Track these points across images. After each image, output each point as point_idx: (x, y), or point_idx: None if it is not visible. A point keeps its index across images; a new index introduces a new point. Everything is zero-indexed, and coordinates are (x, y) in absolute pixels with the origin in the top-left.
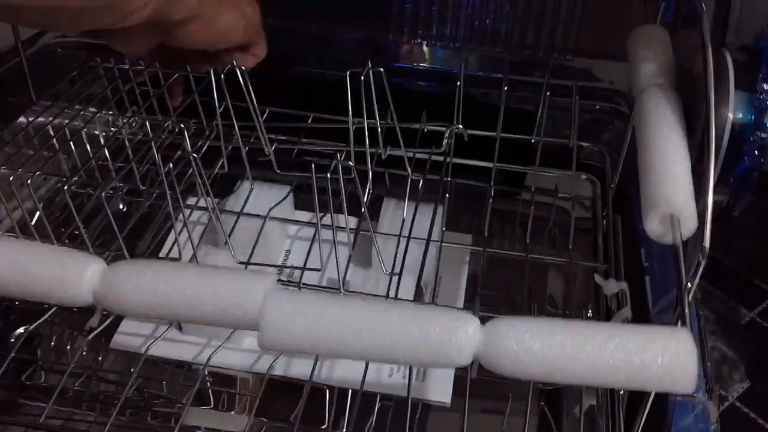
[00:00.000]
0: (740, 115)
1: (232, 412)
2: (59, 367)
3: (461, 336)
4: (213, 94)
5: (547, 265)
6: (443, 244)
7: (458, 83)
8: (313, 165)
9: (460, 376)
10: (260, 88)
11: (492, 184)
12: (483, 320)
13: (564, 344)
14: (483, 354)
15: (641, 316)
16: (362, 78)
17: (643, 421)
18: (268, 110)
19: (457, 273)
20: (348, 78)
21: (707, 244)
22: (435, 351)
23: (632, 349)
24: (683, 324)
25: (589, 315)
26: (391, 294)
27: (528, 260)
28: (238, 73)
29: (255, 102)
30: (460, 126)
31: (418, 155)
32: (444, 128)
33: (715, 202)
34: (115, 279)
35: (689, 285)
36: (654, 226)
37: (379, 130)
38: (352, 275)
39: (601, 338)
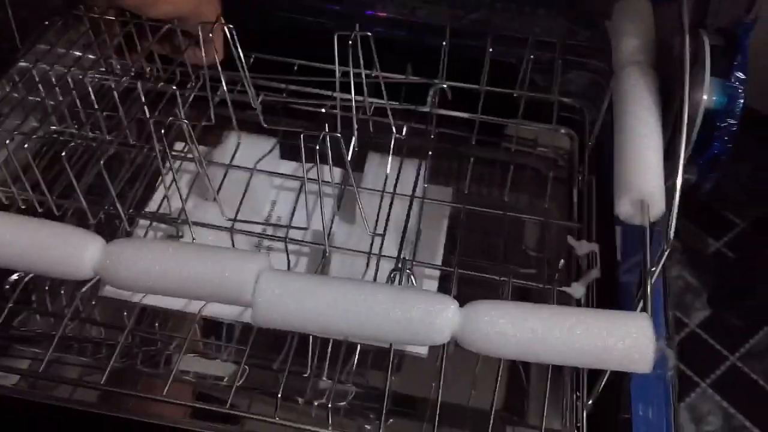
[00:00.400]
0: (713, 101)
1: (218, 360)
2: (54, 313)
3: (441, 319)
4: (200, 45)
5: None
6: (425, 200)
7: (443, 43)
8: (302, 136)
9: None
10: (241, 34)
11: (474, 139)
12: (462, 279)
13: (535, 329)
14: (460, 335)
15: (609, 275)
16: (350, 42)
17: (605, 380)
18: (254, 56)
19: (438, 227)
20: (335, 40)
21: (672, 234)
22: (417, 332)
23: (597, 334)
24: (644, 309)
25: (560, 266)
26: (375, 250)
27: (506, 217)
28: (226, 30)
29: (242, 57)
30: (445, 85)
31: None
32: (428, 82)
33: (684, 180)
34: (115, 258)
35: (653, 269)
36: (625, 209)
37: (364, 83)
38: (336, 229)
39: (569, 324)
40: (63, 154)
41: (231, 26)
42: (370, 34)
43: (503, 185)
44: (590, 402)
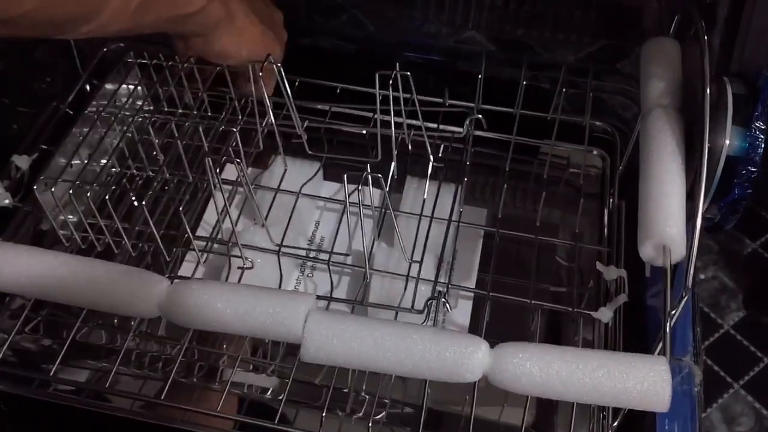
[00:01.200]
0: (734, 149)
1: (264, 375)
2: (118, 327)
3: (472, 360)
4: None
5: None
6: (461, 224)
7: (479, 76)
8: (345, 176)
9: None
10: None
11: (509, 159)
12: (494, 300)
13: (560, 371)
14: (490, 373)
15: (638, 298)
16: (390, 82)
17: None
18: (298, 81)
19: (473, 249)
20: (377, 78)
21: (690, 283)
22: (450, 371)
23: (617, 377)
24: (663, 353)
25: (590, 285)
26: (412, 273)
27: (537, 241)
28: (275, 68)
29: (289, 92)
30: (480, 116)
31: (440, 135)
32: (465, 111)
33: (707, 218)
34: (178, 298)
35: (673, 312)
36: (647, 252)
37: (404, 114)
38: (377, 251)
39: (591, 367)
40: (144, 203)
41: (278, 64)
42: (408, 74)
43: (536, 203)
44: (615, 424)
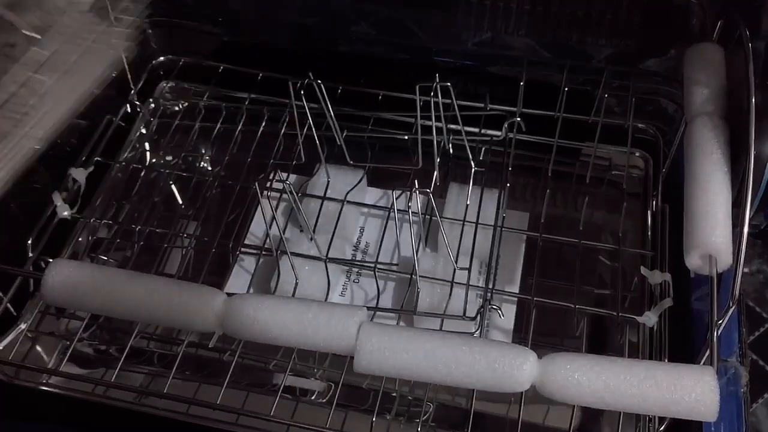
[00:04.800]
0: None
1: (312, 378)
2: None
3: (521, 372)
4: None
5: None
6: (504, 229)
7: (521, 83)
8: (392, 192)
9: None
10: (327, 68)
11: (551, 162)
12: (538, 305)
13: (608, 382)
14: (539, 383)
15: (682, 301)
16: (431, 94)
17: None
18: (341, 88)
19: (516, 252)
20: (417, 90)
21: (737, 293)
22: (500, 382)
23: (665, 388)
24: (711, 363)
25: (632, 288)
26: (456, 278)
27: (581, 245)
28: (315, 85)
29: (330, 108)
30: (520, 120)
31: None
32: (505, 114)
33: (752, 225)
34: (235, 313)
35: (720, 322)
36: (694, 261)
37: (443, 121)
38: (422, 257)
39: (639, 378)
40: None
41: (319, 81)
42: (449, 84)
43: (578, 205)
44: (662, 428)
